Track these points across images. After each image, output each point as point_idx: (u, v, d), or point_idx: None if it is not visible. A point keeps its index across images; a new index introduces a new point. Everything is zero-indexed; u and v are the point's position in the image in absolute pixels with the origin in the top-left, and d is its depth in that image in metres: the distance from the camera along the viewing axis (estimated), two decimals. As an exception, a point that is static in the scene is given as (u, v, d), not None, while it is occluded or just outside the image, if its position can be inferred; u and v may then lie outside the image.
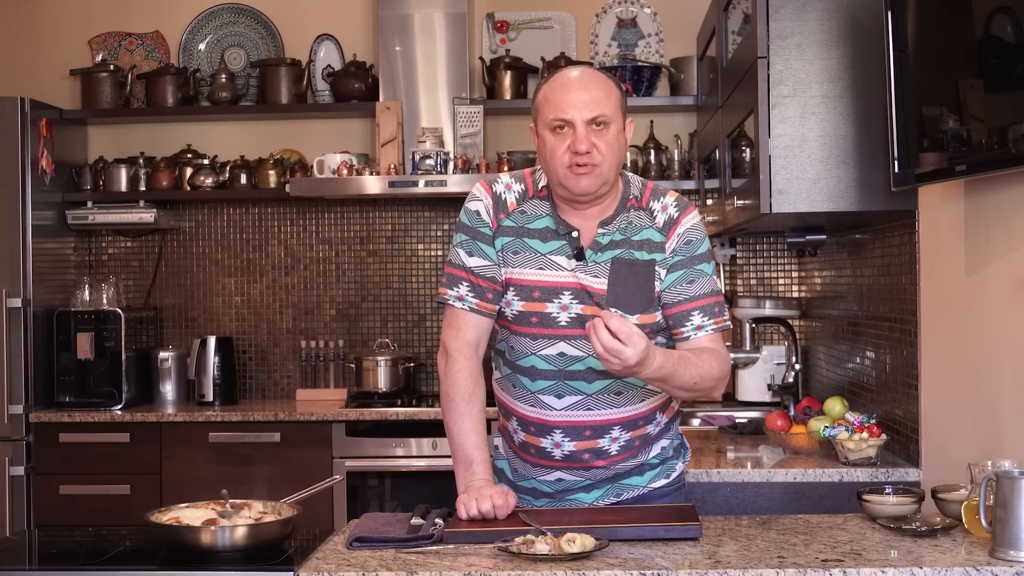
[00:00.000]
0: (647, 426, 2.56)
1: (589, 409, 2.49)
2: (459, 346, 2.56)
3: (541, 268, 2.49)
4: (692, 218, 2.52)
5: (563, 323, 2.47)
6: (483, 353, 2.60)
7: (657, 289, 2.48)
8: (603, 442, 2.51)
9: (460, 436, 2.52)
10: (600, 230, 2.49)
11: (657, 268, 2.48)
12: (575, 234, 2.49)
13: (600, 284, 2.46)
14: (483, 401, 2.56)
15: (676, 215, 2.51)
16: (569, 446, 2.51)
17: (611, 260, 2.48)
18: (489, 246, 2.53)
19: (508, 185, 2.57)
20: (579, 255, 2.48)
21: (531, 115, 2.53)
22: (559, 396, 2.49)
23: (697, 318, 2.49)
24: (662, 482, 2.61)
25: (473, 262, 2.54)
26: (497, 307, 2.55)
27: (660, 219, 2.51)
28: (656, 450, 2.60)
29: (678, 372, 2.37)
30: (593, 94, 2.42)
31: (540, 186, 2.55)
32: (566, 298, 2.47)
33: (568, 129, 2.41)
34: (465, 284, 2.55)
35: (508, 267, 2.52)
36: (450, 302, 2.56)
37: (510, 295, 2.51)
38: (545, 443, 2.52)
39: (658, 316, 2.49)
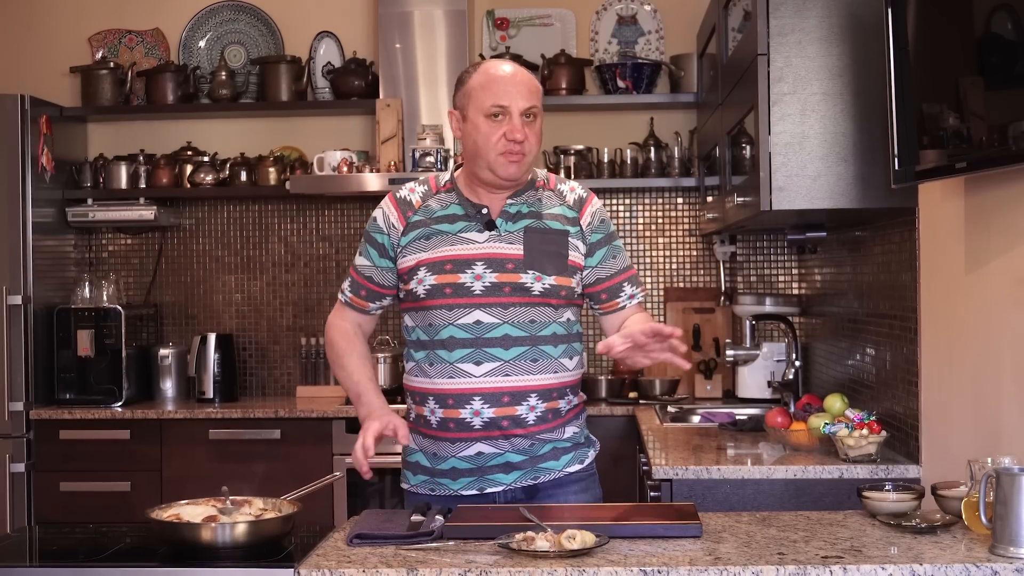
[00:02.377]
0: (559, 400, 2.69)
1: (507, 375, 2.62)
2: (333, 319, 2.84)
3: (453, 245, 2.66)
4: (598, 201, 2.78)
5: (478, 291, 2.62)
6: (363, 333, 2.83)
7: (572, 258, 2.67)
8: (521, 410, 2.63)
9: (349, 368, 2.76)
10: (508, 201, 2.68)
11: (571, 239, 2.68)
12: (484, 210, 2.68)
13: (515, 250, 2.64)
14: (364, 346, 2.81)
15: (584, 195, 2.76)
16: (488, 412, 2.61)
17: (524, 228, 2.66)
18: (373, 248, 2.74)
19: (412, 188, 2.76)
20: (490, 226, 2.66)
21: (458, 100, 2.69)
22: (478, 363, 2.61)
23: (628, 288, 2.77)
24: (576, 467, 2.72)
25: (358, 261, 2.78)
26: (369, 304, 2.79)
27: (570, 198, 2.74)
28: (568, 433, 2.71)
29: None
30: (528, 87, 2.65)
31: (443, 182, 2.75)
32: (479, 267, 2.63)
33: (504, 117, 2.61)
34: (349, 280, 2.81)
35: (420, 252, 2.67)
36: (340, 297, 2.85)
37: (421, 273, 2.65)
38: (464, 413, 2.62)
39: (572, 281, 2.67)
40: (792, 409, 3.73)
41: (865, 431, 3.16)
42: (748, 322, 4.60)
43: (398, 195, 2.74)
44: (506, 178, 2.63)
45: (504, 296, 2.61)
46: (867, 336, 3.67)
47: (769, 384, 4.53)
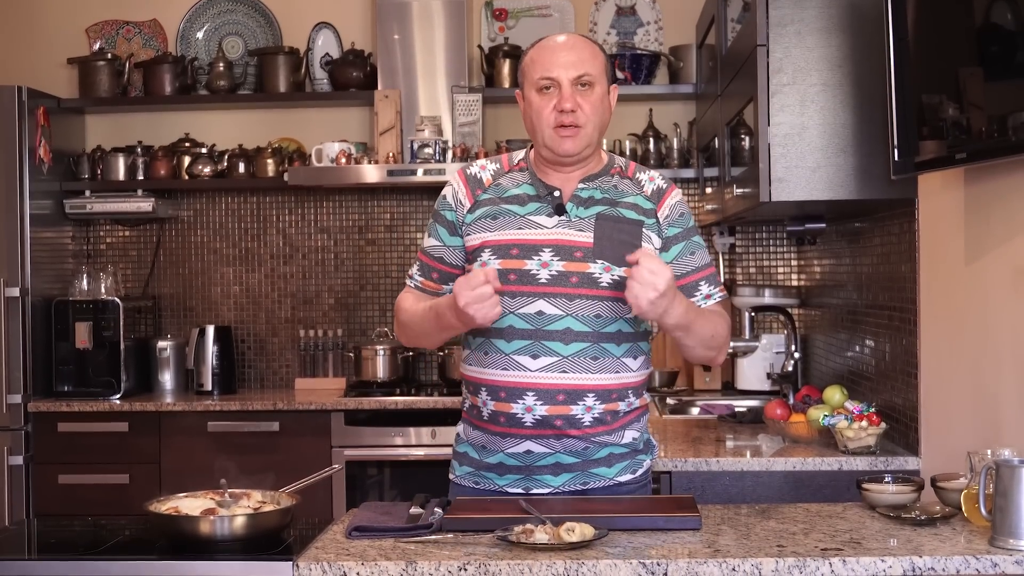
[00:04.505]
0: (619, 402, 2.55)
1: (564, 372, 2.49)
2: (401, 302, 2.69)
3: (520, 228, 2.54)
4: (679, 193, 2.65)
5: (543, 280, 2.50)
6: None
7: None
8: (576, 409, 2.50)
9: (421, 306, 2.60)
10: (581, 185, 2.57)
11: (645, 231, 2.55)
12: (556, 193, 2.56)
13: (584, 238, 2.52)
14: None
15: (664, 187, 2.62)
16: (541, 410, 2.49)
17: (596, 215, 2.54)
18: (442, 227, 2.62)
19: (483, 166, 2.65)
20: (559, 210, 2.54)
21: (519, 81, 2.62)
22: (535, 356, 2.49)
23: (705, 287, 2.61)
24: (628, 476, 2.60)
25: (428, 243, 2.66)
26: (443, 287, 2.64)
27: (648, 188, 2.61)
28: (627, 437, 2.59)
29: (699, 322, 2.50)
30: (579, 54, 2.52)
31: (516, 160, 2.64)
32: (546, 255, 2.51)
33: (554, 89, 2.51)
34: (417, 264, 2.70)
35: (486, 232, 2.56)
36: (407, 281, 2.73)
37: (486, 256, 2.54)
38: (516, 408, 2.51)
39: None
40: (791, 401, 3.72)
41: (864, 423, 3.16)
42: (747, 314, 4.59)
43: (468, 171, 2.63)
44: (563, 153, 2.51)
45: (570, 287, 2.48)
46: (866, 328, 3.66)
47: (768, 376, 4.52)
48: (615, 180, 2.60)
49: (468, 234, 2.59)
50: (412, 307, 2.64)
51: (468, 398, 2.65)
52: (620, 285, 2.48)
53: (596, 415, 2.52)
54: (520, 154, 2.66)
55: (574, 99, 2.49)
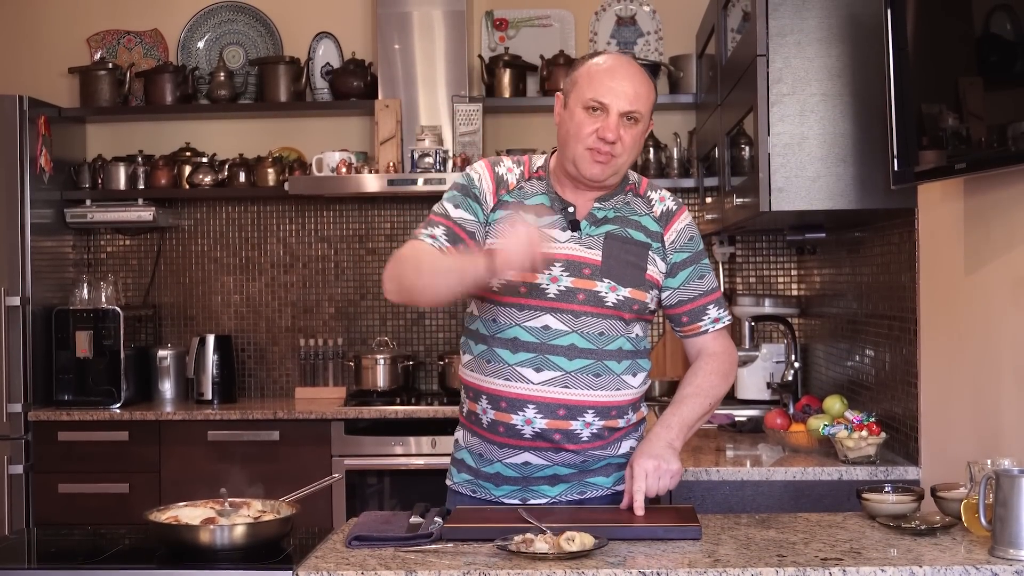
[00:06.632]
0: (619, 418, 2.57)
1: (566, 387, 2.50)
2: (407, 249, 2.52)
3: None
4: (688, 216, 2.65)
5: (551, 295, 2.51)
6: None
7: (650, 272, 2.56)
8: (576, 425, 2.52)
9: (445, 256, 2.45)
10: (596, 204, 2.57)
11: (651, 254, 2.57)
12: (571, 209, 2.56)
13: (593, 255, 2.53)
14: None
15: (674, 208, 2.63)
16: (540, 423, 2.51)
17: (605, 234, 2.55)
18: (477, 205, 2.57)
19: (510, 168, 2.63)
20: (574, 226, 2.55)
21: (564, 85, 2.58)
22: (538, 370, 2.50)
23: (713, 311, 2.63)
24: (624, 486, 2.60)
25: (457, 213, 2.55)
26: None
27: (658, 209, 2.62)
28: (624, 448, 2.60)
29: (694, 419, 2.58)
30: (636, 89, 2.50)
31: (536, 167, 2.63)
32: (557, 270, 2.51)
33: (601, 113, 2.48)
34: (442, 228, 2.54)
35: (503, 238, 2.50)
36: (420, 238, 2.53)
37: None
38: (516, 419, 2.52)
39: (647, 296, 2.56)
40: (791, 410, 3.73)
41: (864, 432, 3.16)
42: (747, 323, 4.59)
43: (497, 170, 2.61)
44: (588, 178, 2.50)
45: (577, 303, 2.50)
46: (866, 337, 3.66)
47: (768, 385, 4.52)
48: (628, 198, 2.61)
49: (489, 235, 2.56)
50: (426, 252, 2.47)
51: (466, 404, 2.65)
52: (623, 305, 2.52)
53: (595, 431, 2.54)
54: (540, 160, 2.65)
55: (618, 131, 2.47)
